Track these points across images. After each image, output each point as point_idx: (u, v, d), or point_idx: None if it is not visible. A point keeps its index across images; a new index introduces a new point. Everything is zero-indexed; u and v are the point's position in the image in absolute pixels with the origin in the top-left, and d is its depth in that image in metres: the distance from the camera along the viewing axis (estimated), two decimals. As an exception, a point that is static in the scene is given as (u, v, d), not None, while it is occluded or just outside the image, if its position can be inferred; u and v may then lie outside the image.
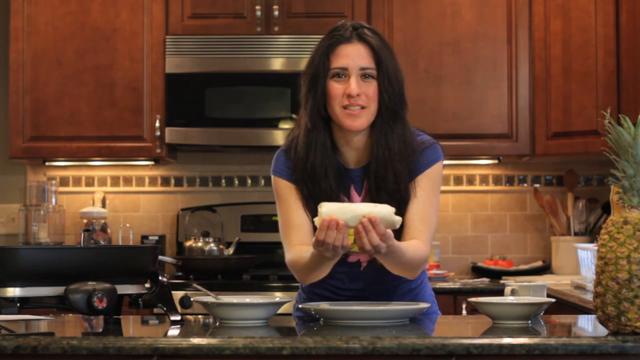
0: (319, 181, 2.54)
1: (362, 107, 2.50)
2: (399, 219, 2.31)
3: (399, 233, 2.50)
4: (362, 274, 2.62)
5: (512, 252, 5.04)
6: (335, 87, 2.51)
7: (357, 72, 2.51)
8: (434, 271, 4.75)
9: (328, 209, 2.29)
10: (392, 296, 2.63)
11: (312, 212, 2.53)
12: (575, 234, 4.83)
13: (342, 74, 2.51)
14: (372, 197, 2.53)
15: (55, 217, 4.95)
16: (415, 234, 2.52)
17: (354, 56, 2.51)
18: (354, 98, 2.49)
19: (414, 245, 2.48)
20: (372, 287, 2.63)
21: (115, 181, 5.11)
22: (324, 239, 2.28)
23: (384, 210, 2.29)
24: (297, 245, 2.54)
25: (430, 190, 2.56)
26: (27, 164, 5.09)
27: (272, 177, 2.63)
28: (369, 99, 2.51)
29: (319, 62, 2.52)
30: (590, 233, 4.84)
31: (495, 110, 4.72)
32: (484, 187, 5.08)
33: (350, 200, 2.58)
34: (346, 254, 2.54)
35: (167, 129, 4.69)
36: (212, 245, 4.76)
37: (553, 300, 2.41)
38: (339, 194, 2.54)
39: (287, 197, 2.58)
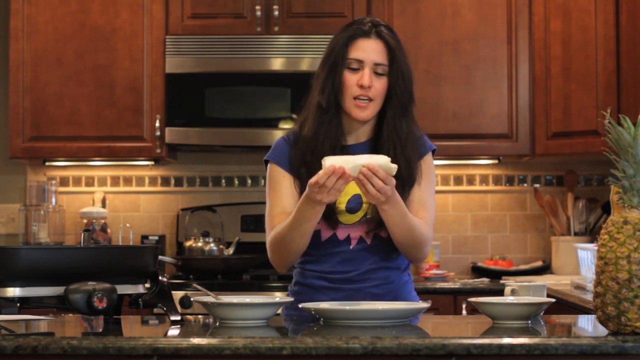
0: (321, 156, 2.64)
1: (370, 100, 2.68)
2: (394, 166, 2.48)
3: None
4: (351, 255, 2.70)
5: (512, 252, 5.04)
6: (349, 78, 2.68)
7: (371, 66, 2.68)
8: (434, 271, 4.75)
9: (332, 161, 2.45)
10: (375, 284, 2.69)
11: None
12: (575, 234, 4.83)
13: (357, 66, 2.69)
14: None
15: (55, 217, 4.95)
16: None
17: (370, 51, 2.68)
18: (365, 89, 2.66)
19: (417, 218, 2.65)
20: (361, 272, 2.68)
21: (115, 181, 5.11)
22: (325, 182, 2.44)
23: (381, 160, 2.47)
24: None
25: (427, 177, 2.74)
26: (27, 164, 5.09)
27: (269, 163, 2.76)
28: (377, 93, 2.69)
29: (339, 51, 2.70)
30: (590, 233, 4.83)
31: (495, 110, 4.72)
32: (484, 187, 5.08)
33: None
34: (336, 222, 2.66)
35: (167, 129, 4.69)
36: (212, 245, 4.76)
37: (553, 300, 2.41)
38: None
39: (279, 183, 2.72)
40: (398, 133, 2.70)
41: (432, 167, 2.77)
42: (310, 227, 2.59)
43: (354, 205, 2.67)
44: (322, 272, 2.71)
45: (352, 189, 2.65)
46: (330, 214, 2.65)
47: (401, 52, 2.70)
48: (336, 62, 2.69)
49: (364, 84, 2.66)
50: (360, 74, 2.67)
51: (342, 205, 2.67)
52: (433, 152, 2.78)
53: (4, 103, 4.99)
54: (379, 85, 2.68)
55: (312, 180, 2.46)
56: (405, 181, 2.68)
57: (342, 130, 2.73)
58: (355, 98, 2.67)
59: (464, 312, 4.26)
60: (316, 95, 2.73)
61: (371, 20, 2.73)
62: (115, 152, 4.77)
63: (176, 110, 4.71)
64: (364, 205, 2.67)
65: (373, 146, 2.73)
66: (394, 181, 2.49)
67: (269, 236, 2.69)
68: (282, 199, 2.70)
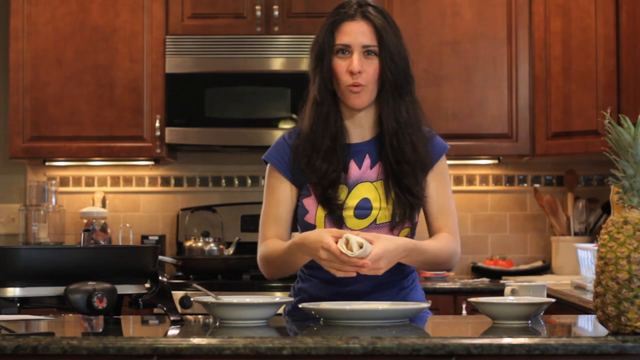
0: (326, 152, 2.59)
1: (362, 86, 2.57)
2: (367, 246, 2.36)
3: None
4: None
5: (512, 252, 5.04)
6: (339, 64, 2.58)
7: (360, 50, 2.57)
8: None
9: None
10: (380, 294, 2.62)
11: (305, 182, 2.60)
12: (575, 234, 4.83)
13: (346, 50, 2.58)
14: (393, 170, 2.58)
15: (55, 217, 4.95)
16: (440, 229, 2.63)
17: (357, 34, 2.57)
18: (356, 75, 2.55)
19: (437, 241, 2.58)
20: (373, 285, 2.59)
21: (115, 181, 5.11)
22: (338, 267, 2.36)
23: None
24: (272, 238, 2.61)
25: (442, 182, 2.66)
26: (27, 164, 5.09)
27: (268, 164, 2.67)
28: (369, 77, 2.57)
29: (324, 38, 2.60)
30: (590, 233, 4.84)
31: (495, 110, 4.73)
32: (484, 187, 5.08)
33: (349, 174, 2.61)
34: (340, 220, 2.58)
35: (167, 129, 4.70)
36: (212, 245, 4.76)
37: (553, 300, 2.41)
38: (341, 168, 2.59)
39: (276, 189, 2.64)
40: (397, 118, 2.58)
41: (447, 169, 2.69)
42: (302, 264, 2.56)
43: (362, 210, 2.58)
44: (325, 282, 2.61)
45: (362, 191, 2.58)
46: (336, 213, 2.56)
47: (390, 31, 2.58)
48: (323, 50, 2.59)
49: (354, 69, 2.54)
50: (350, 59, 2.56)
51: (350, 211, 2.58)
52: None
53: (4, 103, 4.99)
54: (371, 69, 2.56)
55: (329, 245, 2.35)
56: (415, 166, 2.58)
57: (342, 122, 2.62)
58: (348, 86, 2.56)
59: (464, 312, 4.26)
60: (310, 87, 2.65)
61: (357, 2, 2.61)
62: (115, 152, 4.77)
63: (176, 110, 4.71)
64: (374, 212, 2.57)
65: (379, 142, 2.63)
66: (378, 254, 2.37)
67: (260, 250, 2.63)
68: (277, 207, 2.63)
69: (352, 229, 2.55)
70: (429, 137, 2.65)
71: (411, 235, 2.63)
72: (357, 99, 2.57)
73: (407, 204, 2.56)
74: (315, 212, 2.59)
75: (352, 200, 2.58)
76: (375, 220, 2.58)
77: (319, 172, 2.57)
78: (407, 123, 2.59)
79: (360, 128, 2.64)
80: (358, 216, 2.58)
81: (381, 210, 2.57)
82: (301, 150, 2.61)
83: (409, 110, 2.60)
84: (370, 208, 2.58)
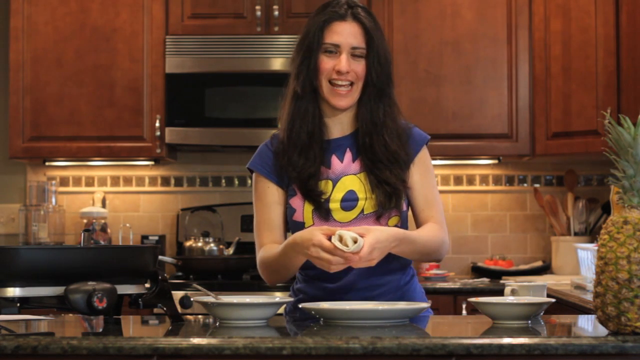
0: (302, 148, 2.60)
1: (350, 84, 2.58)
2: (360, 240, 2.37)
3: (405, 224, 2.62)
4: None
5: (512, 252, 5.04)
6: (326, 62, 2.59)
7: (348, 50, 2.58)
8: (434, 271, 4.75)
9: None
10: (379, 292, 2.62)
11: (289, 182, 2.61)
12: (575, 234, 4.83)
13: (334, 50, 2.59)
14: (370, 169, 2.60)
15: (55, 217, 4.95)
16: (427, 219, 2.63)
17: (347, 34, 2.58)
18: (343, 74, 2.57)
19: (426, 230, 2.59)
20: (362, 278, 2.59)
21: (115, 181, 5.11)
22: (331, 260, 2.36)
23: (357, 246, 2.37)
24: (268, 244, 2.62)
25: (426, 173, 2.66)
26: (27, 164, 5.09)
27: (253, 172, 2.68)
28: (357, 77, 2.59)
29: (314, 35, 2.60)
30: (590, 233, 4.84)
31: (495, 110, 4.73)
32: (484, 187, 5.08)
33: (331, 168, 2.62)
34: (327, 213, 2.58)
35: (167, 129, 4.70)
36: (212, 245, 4.76)
37: (553, 300, 2.40)
38: (321, 164, 2.61)
39: (263, 195, 2.65)
40: (373, 118, 2.60)
41: (429, 159, 2.68)
42: (298, 265, 2.55)
43: (349, 202, 2.58)
44: (322, 280, 2.61)
45: (347, 184, 2.60)
46: (323, 206, 2.57)
47: (378, 34, 2.60)
48: (311, 46, 2.59)
49: (342, 69, 2.56)
50: (338, 59, 2.57)
51: (337, 204, 2.58)
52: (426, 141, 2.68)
53: (4, 103, 4.99)
54: (359, 69, 2.58)
55: (321, 242, 2.36)
56: (390, 163, 2.59)
57: (322, 119, 2.63)
58: (332, 83, 2.57)
59: (464, 312, 4.26)
60: (292, 82, 2.64)
61: (347, 2, 2.62)
62: (115, 152, 4.77)
63: (176, 110, 4.71)
64: (360, 202, 2.58)
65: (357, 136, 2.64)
66: (379, 245, 2.39)
67: (258, 256, 2.64)
68: (268, 212, 2.64)
69: (340, 222, 2.57)
70: (407, 129, 2.66)
71: (401, 223, 2.63)
72: (340, 100, 2.59)
73: (387, 194, 2.57)
74: (303, 209, 2.60)
75: (338, 193, 2.59)
76: (362, 210, 2.58)
77: (297, 167, 2.59)
78: (382, 124, 2.61)
79: (340, 125, 2.66)
80: (345, 208, 2.58)
81: (367, 200, 2.58)
82: (281, 148, 2.63)
83: (385, 113, 2.62)
84: (356, 199, 2.59)
